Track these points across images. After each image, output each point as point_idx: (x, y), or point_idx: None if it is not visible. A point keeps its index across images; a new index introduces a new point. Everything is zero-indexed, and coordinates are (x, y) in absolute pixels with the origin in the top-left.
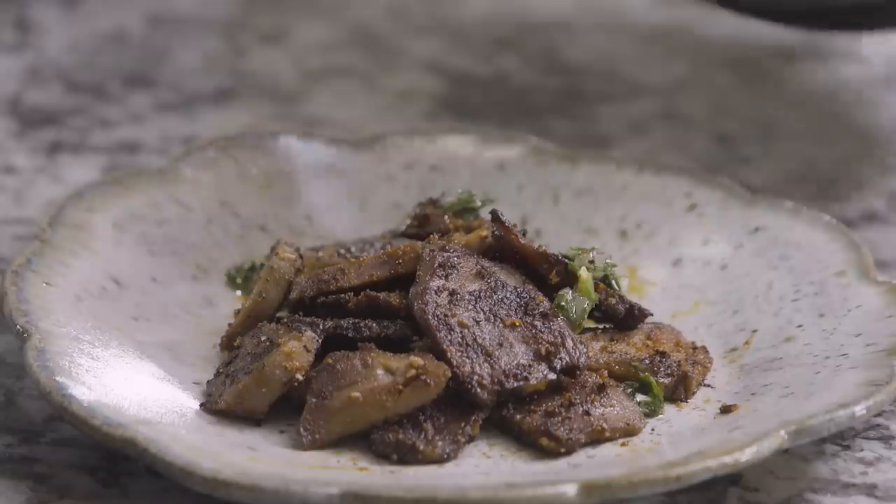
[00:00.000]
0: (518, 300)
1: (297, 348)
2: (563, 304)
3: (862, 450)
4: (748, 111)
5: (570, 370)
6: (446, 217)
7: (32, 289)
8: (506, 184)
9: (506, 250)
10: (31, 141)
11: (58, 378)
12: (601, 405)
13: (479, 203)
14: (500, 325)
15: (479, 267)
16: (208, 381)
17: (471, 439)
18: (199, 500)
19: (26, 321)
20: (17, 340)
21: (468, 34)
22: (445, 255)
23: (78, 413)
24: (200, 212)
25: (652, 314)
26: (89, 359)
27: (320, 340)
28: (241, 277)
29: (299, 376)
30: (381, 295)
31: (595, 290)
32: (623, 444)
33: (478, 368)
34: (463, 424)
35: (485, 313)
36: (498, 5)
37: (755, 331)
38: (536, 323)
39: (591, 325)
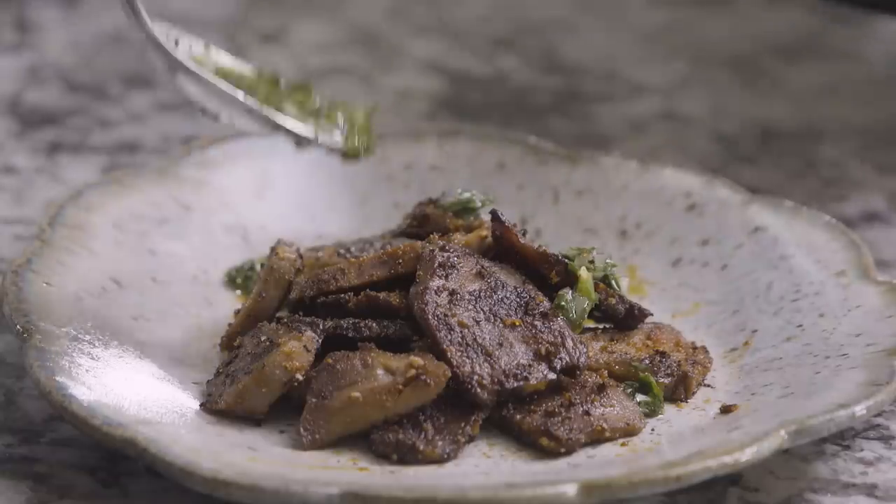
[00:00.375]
0: (518, 300)
1: (297, 348)
2: (563, 304)
3: (862, 450)
4: (748, 111)
5: (570, 370)
6: (446, 217)
7: (32, 289)
8: (506, 184)
9: (506, 250)
10: (31, 141)
11: (58, 378)
12: (601, 405)
13: (479, 203)
14: (500, 324)
15: (479, 267)
16: (208, 381)
17: (471, 439)
18: (199, 500)
19: (26, 321)
20: (17, 340)
21: (468, 34)
22: (445, 254)
23: (78, 413)
24: (200, 212)
25: (652, 314)
26: (89, 359)
27: (320, 340)
28: (241, 277)
29: (299, 376)
30: (381, 295)
31: (595, 290)
32: (623, 444)
33: (478, 368)
34: (463, 424)
35: (485, 313)
36: (497, 5)
37: (755, 331)
38: (536, 323)
39: (591, 325)
